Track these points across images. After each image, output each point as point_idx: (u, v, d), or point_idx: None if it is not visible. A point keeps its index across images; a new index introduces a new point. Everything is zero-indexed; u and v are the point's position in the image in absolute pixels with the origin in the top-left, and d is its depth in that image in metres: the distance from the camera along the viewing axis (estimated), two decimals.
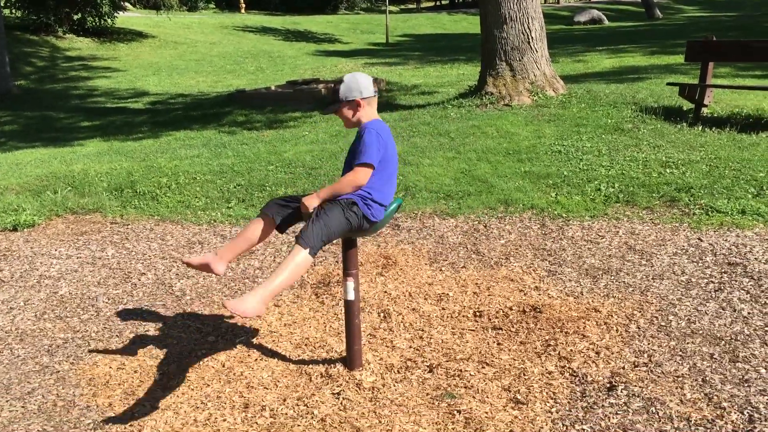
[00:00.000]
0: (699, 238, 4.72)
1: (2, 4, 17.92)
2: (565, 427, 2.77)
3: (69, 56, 19.17)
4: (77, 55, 19.31)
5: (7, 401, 3.24)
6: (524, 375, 3.18)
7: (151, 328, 3.97)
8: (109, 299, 4.43)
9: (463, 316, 3.89)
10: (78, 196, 6.74)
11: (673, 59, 13.50)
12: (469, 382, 3.16)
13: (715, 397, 2.88)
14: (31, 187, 7.07)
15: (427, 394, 3.09)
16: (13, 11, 20.41)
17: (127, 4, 25.28)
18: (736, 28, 18.90)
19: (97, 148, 8.95)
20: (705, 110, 8.01)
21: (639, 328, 3.55)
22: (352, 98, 3.25)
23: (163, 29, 24.12)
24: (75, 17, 20.73)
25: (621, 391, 2.96)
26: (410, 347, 3.58)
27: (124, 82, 16.03)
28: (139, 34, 22.59)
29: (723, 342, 3.34)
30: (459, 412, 2.92)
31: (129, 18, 24.76)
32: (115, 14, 21.58)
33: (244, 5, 35.02)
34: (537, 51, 9.09)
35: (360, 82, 3.27)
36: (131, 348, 3.74)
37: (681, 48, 15.06)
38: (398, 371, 3.33)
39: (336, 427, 2.87)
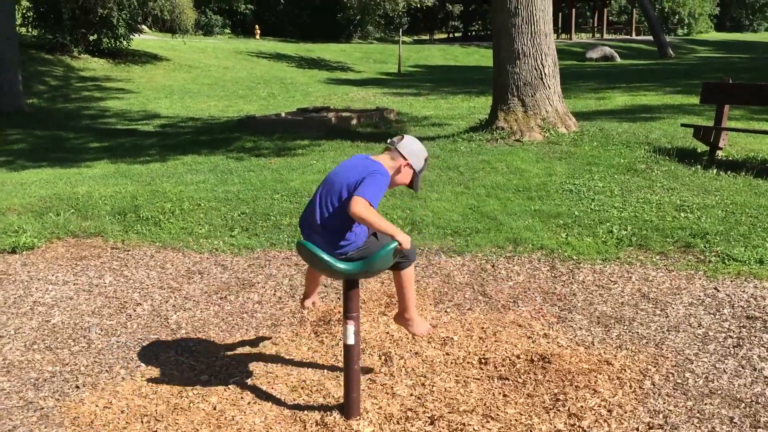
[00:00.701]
0: (716, 288, 4.54)
1: (18, 23, 18.04)
2: None
3: (83, 76, 19.26)
4: (91, 76, 19.40)
5: None
6: None
7: (143, 364, 3.82)
8: (101, 330, 4.28)
9: (468, 362, 3.72)
10: (80, 219, 6.63)
11: (686, 99, 13.42)
12: None
13: None
14: (34, 208, 6.97)
15: None
16: (30, 30, 20.58)
17: (143, 26, 25.48)
18: (750, 70, 18.85)
19: (104, 170, 8.87)
20: (720, 153, 7.87)
21: (654, 384, 3.37)
22: (408, 163, 3.29)
23: (177, 53, 24.28)
24: (91, 38, 20.88)
25: None
26: (411, 395, 3.41)
27: (137, 103, 16.05)
28: (154, 57, 22.73)
29: (743, 404, 3.15)
30: None
31: (144, 40, 24.95)
32: (131, 36, 21.74)
33: (259, 31, 35.33)
34: (549, 87, 9.00)
35: (424, 156, 3.36)
36: (120, 385, 3.58)
37: (694, 88, 14.99)
38: (398, 422, 3.16)
39: None
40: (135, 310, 4.60)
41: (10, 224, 6.40)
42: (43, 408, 3.36)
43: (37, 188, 7.82)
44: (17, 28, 14.95)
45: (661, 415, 3.09)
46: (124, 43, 21.53)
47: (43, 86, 17.57)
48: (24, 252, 5.83)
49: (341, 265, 3.07)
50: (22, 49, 16.57)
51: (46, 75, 18.56)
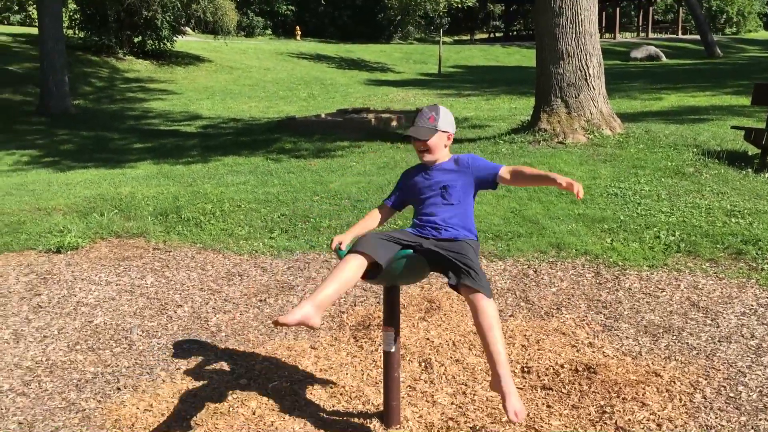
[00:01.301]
0: None
1: (66, 25, 18.42)
2: None
3: (127, 77, 19.59)
4: (135, 77, 19.73)
5: None
6: None
7: (183, 366, 3.82)
8: (143, 332, 4.31)
9: (510, 371, 3.63)
10: (124, 220, 6.71)
11: (736, 100, 13.06)
12: None
13: None
14: (79, 208, 7.08)
15: None
16: (76, 32, 21.02)
17: (186, 28, 25.82)
18: None
19: (147, 171, 8.98)
20: None
21: (705, 398, 3.24)
22: (447, 131, 3.19)
23: (219, 54, 24.54)
24: (135, 40, 21.24)
25: None
26: (452, 404, 3.34)
27: (179, 104, 16.25)
28: (197, 58, 23.01)
29: None
30: None
31: (187, 42, 25.29)
32: (175, 38, 22.05)
33: (299, 32, 35.54)
34: (594, 88, 8.83)
35: (451, 118, 3.27)
36: (161, 387, 3.58)
37: (744, 89, 14.59)
38: (438, 431, 3.09)
39: None
40: (176, 312, 4.62)
41: (56, 224, 6.51)
42: (85, 409, 3.38)
43: (82, 188, 7.94)
44: (64, 30, 15.24)
45: (713, 431, 2.96)
46: (168, 44, 21.86)
47: (89, 87, 17.92)
48: (68, 252, 5.91)
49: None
50: (69, 51, 16.92)
51: (91, 76, 18.92)
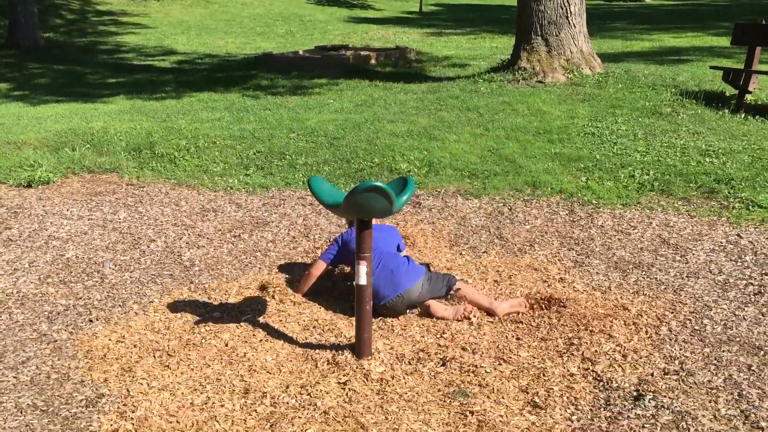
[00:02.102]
0: (738, 235, 4.43)
1: None
2: None
3: (99, 10, 19.01)
4: (107, 10, 19.15)
5: None
6: (544, 376, 2.97)
7: (156, 300, 3.81)
8: (115, 265, 4.28)
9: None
10: (96, 155, 6.59)
11: (716, 41, 12.99)
12: (484, 379, 2.96)
13: (753, 415, 2.64)
14: (50, 142, 6.94)
15: (439, 391, 2.90)
16: None
17: None
18: None
19: (120, 106, 8.79)
20: (749, 97, 7.62)
21: (670, 330, 3.31)
22: None
23: None
24: None
25: (649, 402, 2.74)
26: (423, 337, 3.38)
27: (153, 39, 15.83)
28: None
29: (762, 352, 3.09)
30: (472, 413, 2.72)
31: None
32: None
33: None
34: (575, 26, 8.71)
35: None
36: (133, 320, 3.58)
37: (724, 30, 14.50)
38: (409, 362, 3.13)
39: (339, 422, 2.69)
40: (149, 246, 4.59)
41: (26, 158, 6.39)
42: (56, 341, 3.38)
43: (53, 123, 7.77)
44: None
45: (677, 362, 3.03)
46: None
47: (60, 20, 17.38)
48: (39, 186, 5.82)
49: (326, 198, 3.00)
50: None
51: (62, 8, 18.33)
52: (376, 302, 3.49)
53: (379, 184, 2.81)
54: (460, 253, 4.36)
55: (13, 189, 5.78)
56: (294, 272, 4.15)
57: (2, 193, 5.70)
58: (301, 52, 12.14)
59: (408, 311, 3.63)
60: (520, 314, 3.54)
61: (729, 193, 5.10)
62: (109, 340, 3.37)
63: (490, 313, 3.54)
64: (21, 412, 2.79)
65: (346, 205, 2.90)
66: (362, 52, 11.81)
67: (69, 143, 6.85)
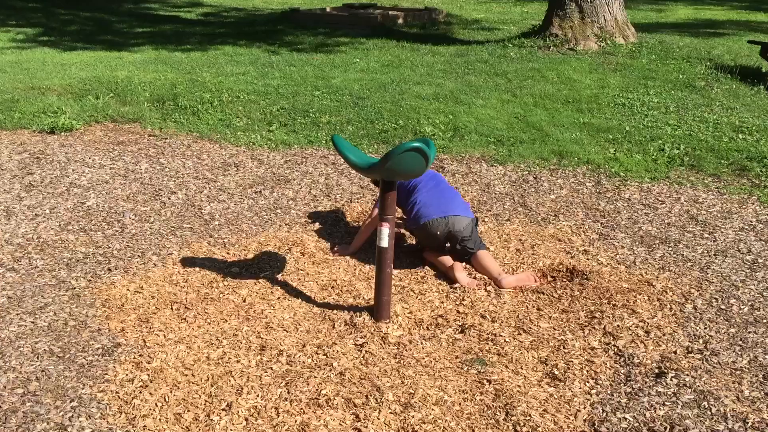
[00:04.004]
0: None
1: None
2: (605, 414, 2.51)
3: None
4: None
5: (17, 314, 3.11)
6: (564, 348, 2.92)
7: (175, 252, 3.80)
8: (135, 216, 4.27)
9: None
10: (119, 104, 6.56)
11: (754, 16, 12.64)
12: (502, 348, 2.92)
13: None
14: (74, 89, 6.91)
15: (456, 357, 2.86)
16: None
17: None
18: None
19: (144, 56, 8.73)
20: None
21: (696, 308, 3.24)
22: None
23: None
24: None
25: (671, 380, 2.68)
26: (443, 303, 3.33)
27: None
28: None
29: None
30: (489, 381, 2.68)
31: None
32: None
33: None
34: None
35: None
36: (152, 271, 3.57)
37: (764, 4, 14.10)
38: (427, 328, 3.10)
39: (355, 383, 2.66)
40: (169, 198, 4.56)
41: (50, 104, 6.37)
42: (75, 288, 3.37)
43: (77, 70, 7.74)
44: None
45: (701, 340, 2.97)
46: None
47: None
48: (62, 133, 5.80)
49: (358, 160, 2.95)
50: None
51: None
52: (414, 224, 3.67)
53: (418, 144, 2.76)
54: (483, 220, 4.30)
55: (36, 135, 5.77)
56: (314, 231, 4.11)
57: (25, 138, 5.69)
58: (328, 9, 11.97)
59: (444, 246, 3.67)
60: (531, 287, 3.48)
61: (761, 171, 4.97)
62: (127, 290, 3.37)
63: (496, 283, 3.47)
64: (37, 358, 2.80)
65: (383, 166, 2.85)
66: (390, 12, 11.62)
67: (93, 91, 6.82)
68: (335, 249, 3.87)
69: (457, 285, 3.48)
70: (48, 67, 7.91)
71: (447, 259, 3.62)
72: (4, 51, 9.01)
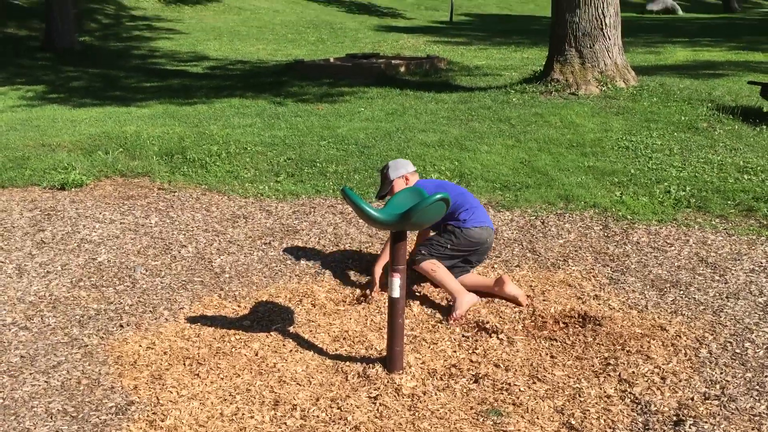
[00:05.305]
0: None
1: None
2: None
3: (134, 15, 19.24)
4: (142, 15, 19.37)
5: (31, 374, 3.11)
6: (580, 396, 2.90)
7: (186, 306, 3.81)
8: (146, 270, 4.29)
9: (515, 320, 3.61)
10: (128, 159, 6.64)
11: (752, 56, 12.78)
12: (518, 398, 2.90)
13: None
14: (84, 145, 7.00)
15: (471, 408, 2.84)
16: None
17: None
18: None
19: (152, 111, 8.87)
20: None
21: (711, 353, 3.22)
22: (400, 175, 3.99)
23: None
24: None
25: (689, 427, 2.65)
26: (455, 352, 3.32)
27: (186, 45, 15.99)
28: None
29: None
30: None
31: None
32: None
33: None
34: (610, 38, 8.61)
35: (402, 162, 4.12)
36: (164, 326, 3.58)
37: (761, 44, 14.27)
38: (441, 378, 3.08)
39: None
40: (180, 252, 4.59)
41: (60, 161, 6.45)
42: (87, 345, 3.38)
43: (86, 126, 7.85)
44: None
45: (717, 386, 2.95)
46: None
47: (95, 24, 17.62)
48: (73, 189, 5.87)
49: (380, 215, 2.97)
50: None
51: (97, 13, 18.59)
52: (466, 224, 3.86)
53: (441, 195, 2.84)
54: (492, 267, 4.30)
55: (47, 191, 5.84)
56: (324, 281, 4.12)
57: (36, 195, 5.76)
58: (332, 60, 12.17)
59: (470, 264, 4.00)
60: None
61: None
62: (140, 346, 3.37)
63: (499, 287, 3.77)
64: (51, 418, 2.79)
65: (408, 220, 2.89)
66: (393, 61, 11.81)
67: (102, 146, 6.91)
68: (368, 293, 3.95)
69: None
70: (58, 124, 8.03)
71: (485, 279, 3.94)
72: (15, 109, 9.17)
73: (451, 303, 3.72)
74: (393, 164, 4.07)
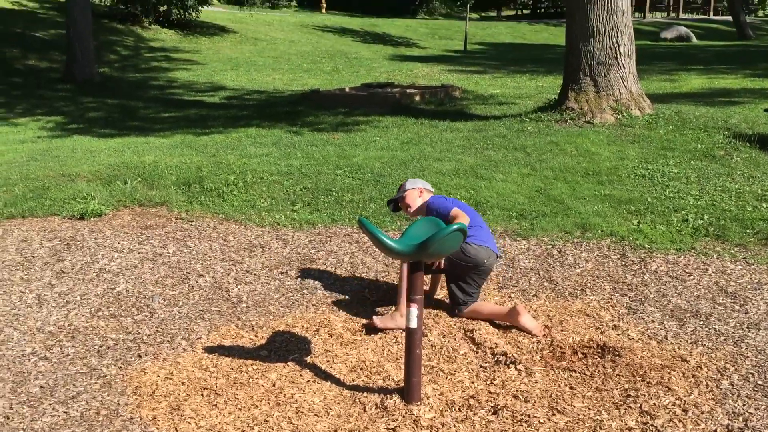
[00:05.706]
0: None
1: None
2: None
3: (152, 47, 19.56)
4: (160, 46, 19.69)
5: (50, 404, 3.13)
6: (600, 428, 2.87)
7: (203, 336, 3.82)
8: (164, 300, 4.31)
9: (533, 351, 3.59)
10: (147, 188, 6.71)
11: None
12: (537, 430, 2.87)
13: None
14: (103, 175, 7.09)
15: None
16: (103, 0, 21.00)
17: None
18: None
19: (170, 141, 8.98)
20: None
21: (732, 385, 3.18)
22: (416, 186, 4.16)
23: (244, 25, 24.42)
24: (161, 8, 21.17)
25: None
26: (473, 383, 3.30)
27: (203, 75, 16.21)
28: (221, 29, 22.91)
29: None
30: None
31: (213, 12, 25.18)
32: (200, 8, 21.95)
33: (325, 5, 35.23)
34: (624, 67, 8.65)
35: (420, 181, 4.26)
36: (181, 356, 3.59)
37: None
38: (459, 409, 3.06)
39: None
40: (197, 282, 4.62)
41: (80, 191, 6.53)
42: (106, 376, 3.39)
43: (105, 156, 7.96)
44: None
45: (740, 418, 2.90)
46: (193, 14, 21.75)
47: (114, 56, 17.92)
48: (92, 219, 5.93)
49: (397, 245, 2.98)
50: (95, 18, 16.90)
51: (117, 45, 18.92)
52: (478, 260, 3.89)
53: (461, 224, 2.88)
54: (509, 296, 4.29)
55: (67, 221, 5.91)
56: (341, 311, 4.12)
57: (56, 224, 5.82)
58: (347, 89, 12.28)
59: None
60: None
61: None
62: (158, 376, 3.38)
63: (513, 316, 3.81)
64: None
65: (426, 251, 2.92)
66: (408, 90, 11.90)
67: (121, 176, 6.99)
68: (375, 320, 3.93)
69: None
70: (78, 154, 8.14)
71: (501, 308, 3.95)
72: (35, 140, 9.31)
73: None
74: (413, 179, 4.26)
